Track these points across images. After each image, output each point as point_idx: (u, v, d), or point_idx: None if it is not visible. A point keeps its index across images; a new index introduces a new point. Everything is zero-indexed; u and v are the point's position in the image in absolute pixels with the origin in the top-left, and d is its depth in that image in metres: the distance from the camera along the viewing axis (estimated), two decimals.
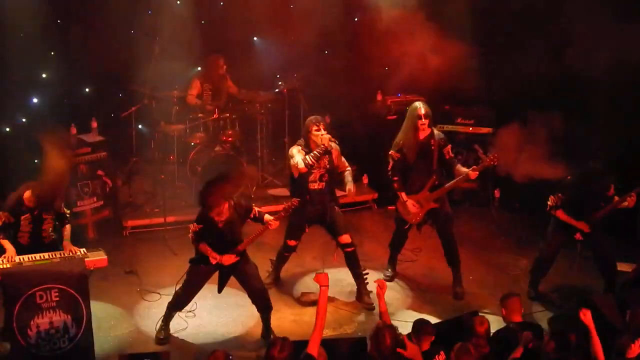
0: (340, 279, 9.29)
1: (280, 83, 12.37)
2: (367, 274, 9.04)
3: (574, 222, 8.66)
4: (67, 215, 8.10)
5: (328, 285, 6.59)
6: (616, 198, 8.55)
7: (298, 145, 8.75)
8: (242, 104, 11.79)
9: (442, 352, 6.63)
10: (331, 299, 8.89)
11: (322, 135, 8.50)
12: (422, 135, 8.79)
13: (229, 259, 7.87)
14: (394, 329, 6.41)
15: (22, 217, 7.70)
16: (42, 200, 7.65)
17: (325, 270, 9.18)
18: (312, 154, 8.50)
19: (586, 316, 6.57)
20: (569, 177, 8.70)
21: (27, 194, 7.67)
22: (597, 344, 6.43)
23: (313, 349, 6.23)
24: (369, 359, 6.45)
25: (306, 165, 8.52)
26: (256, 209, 8.11)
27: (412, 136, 8.80)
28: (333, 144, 8.67)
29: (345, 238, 8.85)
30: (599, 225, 8.66)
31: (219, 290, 8.13)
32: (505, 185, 11.59)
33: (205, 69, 11.77)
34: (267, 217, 8.03)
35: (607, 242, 8.76)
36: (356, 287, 9.03)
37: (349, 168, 8.94)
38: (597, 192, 8.58)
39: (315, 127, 8.55)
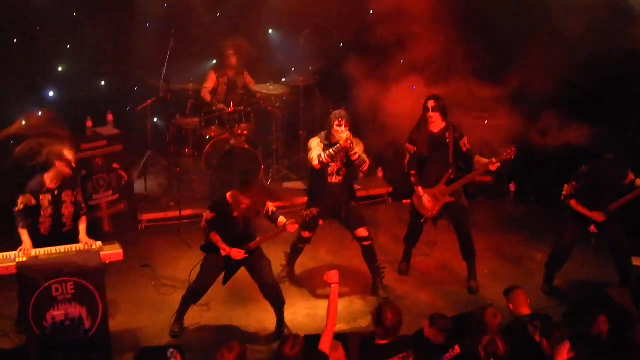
0: (355, 273, 9.30)
1: (295, 76, 12.36)
2: (383, 268, 9.05)
3: (588, 213, 8.62)
4: (83, 206, 8.13)
5: (338, 283, 6.64)
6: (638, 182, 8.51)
7: (319, 137, 8.71)
8: (257, 97, 11.79)
9: (456, 346, 6.63)
10: (345, 293, 8.90)
11: (342, 132, 8.45)
12: (435, 128, 8.77)
13: (238, 254, 7.88)
14: (394, 305, 6.51)
15: (42, 197, 7.75)
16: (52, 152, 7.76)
17: (340, 264, 9.29)
18: (327, 152, 8.46)
19: None
20: (583, 167, 8.67)
21: (48, 174, 7.76)
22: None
23: (325, 346, 6.28)
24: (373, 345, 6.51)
25: (320, 162, 8.51)
26: (271, 205, 8.11)
27: (425, 129, 8.79)
28: (355, 142, 8.60)
29: (362, 232, 8.84)
30: (614, 218, 8.62)
31: (224, 282, 8.14)
32: (520, 179, 11.58)
33: (219, 62, 11.79)
34: (281, 219, 8.02)
35: (622, 235, 8.71)
36: (371, 281, 9.03)
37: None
38: (612, 181, 8.53)
39: (337, 122, 8.47)
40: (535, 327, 6.78)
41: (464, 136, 8.90)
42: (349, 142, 8.34)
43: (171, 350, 6.74)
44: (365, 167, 8.71)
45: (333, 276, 6.66)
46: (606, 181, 8.54)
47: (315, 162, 8.52)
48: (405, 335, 6.62)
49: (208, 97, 11.55)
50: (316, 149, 8.58)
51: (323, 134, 8.70)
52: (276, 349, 6.26)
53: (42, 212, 7.80)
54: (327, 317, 6.45)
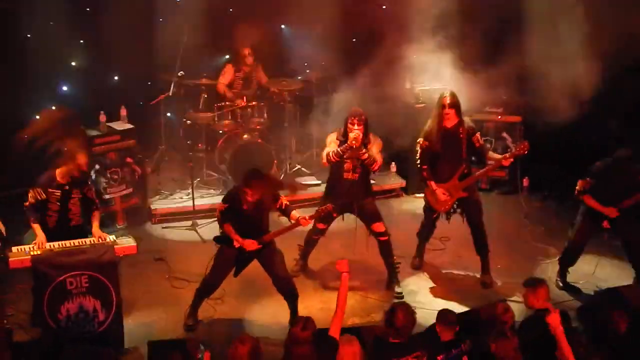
0: (369, 267, 9.31)
1: (308, 71, 12.35)
2: (399, 263, 9.06)
3: (601, 208, 8.57)
4: (95, 201, 8.16)
5: (349, 272, 6.73)
6: None
7: (337, 132, 8.72)
8: (270, 92, 11.79)
9: (467, 342, 6.62)
10: (359, 287, 8.93)
11: (355, 130, 8.40)
12: (449, 123, 8.73)
13: (251, 245, 7.89)
14: (407, 306, 6.51)
15: (52, 191, 7.80)
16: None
17: (354, 259, 9.29)
18: (334, 150, 8.50)
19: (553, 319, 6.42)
20: (598, 163, 8.63)
21: (59, 170, 7.81)
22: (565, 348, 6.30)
23: (334, 331, 6.36)
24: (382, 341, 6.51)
25: (327, 160, 8.56)
26: (284, 199, 8.11)
27: (439, 125, 8.75)
28: (373, 140, 8.61)
29: (378, 226, 8.84)
30: (629, 213, 8.57)
31: (235, 274, 8.14)
32: (534, 174, 11.54)
33: (234, 58, 11.78)
34: (294, 213, 8.03)
35: (636, 230, 8.67)
36: (387, 276, 9.04)
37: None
38: (627, 178, 8.49)
39: (350, 121, 8.46)
40: None
41: (477, 131, 8.88)
42: (354, 142, 8.34)
43: (202, 347, 6.77)
44: (376, 166, 8.66)
45: (343, 265, 6.74)
46: (620, 177, 8.49)
47: (324, 160, 8.61)
48: (418, 334, 6.63)
49: (223, 90, 11.55)
50: (330, 146, 8.63)
51: (342, 129, 8.69)
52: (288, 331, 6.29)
53: (50, 206, 7.85)
54: (337, 304, 6.54)
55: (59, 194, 7.84)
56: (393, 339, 6.41)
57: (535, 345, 6.52)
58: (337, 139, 8.63)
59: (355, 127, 8.42)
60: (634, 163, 8.48)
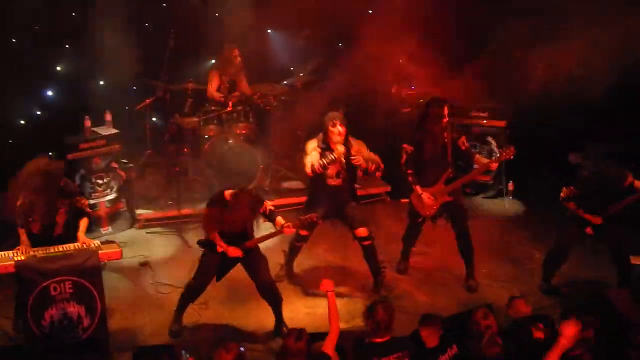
0: (354, 271, 9.31)
1: (294, 76, 12.35)
2: (384, 267, 9.05)
3: (586, 216, 8.60)
4: (86, 211, 8.09)
5: (334, 290, 6.82)
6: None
7: (316, 140, 8.68)
8: (256, 97, 11.77)
9: (454, 346, 6.62)
10: (345, 292, 8.92)
11: (337, 132, 8.39)
12: (438, 129, 8.73)
13: (234, 252, 7.88)
14: (387, 302, 6.64)
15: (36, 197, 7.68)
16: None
17: (340, 263, 9.29)
18: (321, 161, 8.48)
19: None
20: (584, 173, 8.67)
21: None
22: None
23: (329, 348, 6.38)
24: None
25: (312, 171, 8.53)
26: (268, 204, 8.10)
27: (428, 130, 8.74)
28: (357, 143, 8.62)
29: (362, 231, 8.81)
30: (613, 218, 8.60)
31: (218, 279, 8.11)
32: (519, 178, 11.57)
33: (220, 61, 11.76)
34: (279, 219, 8.00)
35: (620, 235, 8.68)
36: (371, 280, 9.03)
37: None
38: (612, 185, 8.51)
39: (331, 124, 8.47)
40: (537, 327, 6.78)
41: (461, 135, 8.90)
42: (342, 157, 8.36)
43: (185, 355, 6.77)
44: (373, 167, 8.70)
45: (328, 284, 6.83)
46: (606, 185, 8.52)
47: (308, 170, 8.57)
48: (401, 337, 6.64)
49: (217, 96, 11.52)
50: (311, 155, 8.58)
51: (321, 136, 8.67)
52: (280, 344, 6.29)
53: (35, 210, 7.77)
54: (330, 323, 6.58)
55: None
56: (373, 339, 6.42)
57: (519, 351, 6.55)
58: (318, 146, 8.61)
59: (337, 127, 8.42)
60: (618, 170, 8.51)
